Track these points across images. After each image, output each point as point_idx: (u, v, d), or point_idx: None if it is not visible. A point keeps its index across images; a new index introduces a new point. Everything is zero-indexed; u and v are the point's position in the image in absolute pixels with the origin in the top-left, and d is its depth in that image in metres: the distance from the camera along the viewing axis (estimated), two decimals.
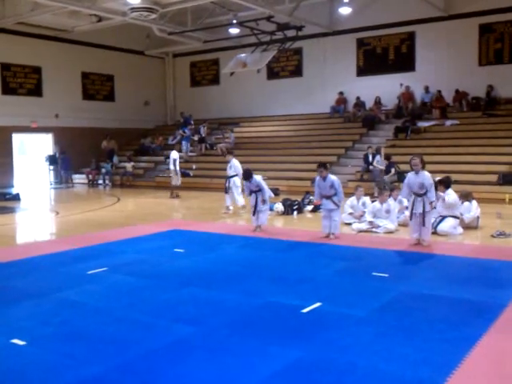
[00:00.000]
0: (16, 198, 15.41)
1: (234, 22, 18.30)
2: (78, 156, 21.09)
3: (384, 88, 19.18)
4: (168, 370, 3.77)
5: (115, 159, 21.45)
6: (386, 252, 7.68)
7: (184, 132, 21.48)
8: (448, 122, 17.35)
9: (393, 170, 14.35)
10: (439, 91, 18.22)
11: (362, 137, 18.58)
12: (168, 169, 16.20)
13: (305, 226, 10.34)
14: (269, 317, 4.89)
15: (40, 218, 12.43)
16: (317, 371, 3.73)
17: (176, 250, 7.96)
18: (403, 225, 9.48)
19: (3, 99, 19.49)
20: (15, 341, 4.32)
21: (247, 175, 9.53)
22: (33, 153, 23.92)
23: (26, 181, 20.90)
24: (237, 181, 12.11)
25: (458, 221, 9.01)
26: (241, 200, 12.03)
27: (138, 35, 22.58)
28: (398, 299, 5.34)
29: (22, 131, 20.50)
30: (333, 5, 20.06)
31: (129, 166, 20.46)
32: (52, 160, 21.00)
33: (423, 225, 7.87)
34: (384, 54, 19.88)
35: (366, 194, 10.68)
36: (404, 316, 4.81)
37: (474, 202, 9.41)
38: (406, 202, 9.28)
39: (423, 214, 7.82)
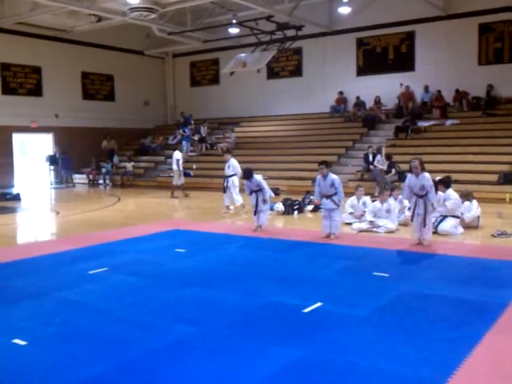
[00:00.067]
0: (16, 198, 15.42)
1: (234, 21, 18.26)
2: (79, 156, 21.09)
3: (384, 88, 19.18)
4: (168, 370, 3.77)
5: (115, 159, 21.44)
6: (387, 252, 7.67)
7: (184, 132, 21.48)
8: (448, 122, 17.33)
9: (393, 170, 14.34)
10: (439, 91, 18.21)
11: (362, 136, 18.57)
12: (170, 169, 16.19)
13: (305, 226, 10.33)
14: (269, 317, 4.89)
15: (40, 218, 12.43)
16: (317, 371, 3.73)
17: (176, 249, 7.96)
18: (404, 224, 9.50)
19: (3, 99, 19.49)
20: (16, 341, 4.33)
21: (248, 174, 9.51)
22: (33, 153, 23.89)
23: (27, 181, 20.87)
24: (235, 180, 12.11)
25: (458, 220, 9.01)
26: (239, 199, 12.03)
27: (137, 35, 22.58)
28: (398, 299, 5.33)
29: (22, 131, 20.48)
30: (332, 4, 20.05)
31: (129, 165, 20.43)
32: (52, 160, 20.99)
33: (424, 225, 7.88)
34: (384, 53, 19.86)
35: (366, 194, 10.68)
36: (405, 316, 4.80)
37: (475, 202, 9.41)
38: (406, 203, 9.28)
39: (424, 215, 7.83)
